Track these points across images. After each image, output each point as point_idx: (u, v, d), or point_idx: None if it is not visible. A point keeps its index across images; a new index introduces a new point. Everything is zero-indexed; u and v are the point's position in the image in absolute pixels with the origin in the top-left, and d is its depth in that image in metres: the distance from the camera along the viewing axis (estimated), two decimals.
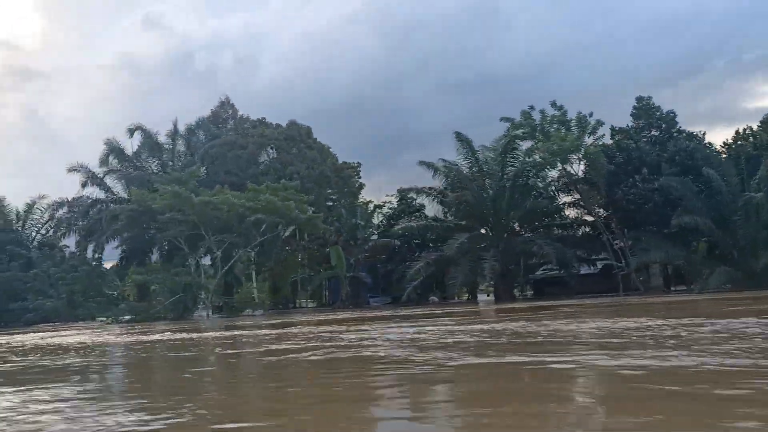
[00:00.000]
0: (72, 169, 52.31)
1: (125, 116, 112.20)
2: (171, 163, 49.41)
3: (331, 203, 44.27)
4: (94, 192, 49.41)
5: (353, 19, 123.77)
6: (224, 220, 35.62)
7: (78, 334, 24.68)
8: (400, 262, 44.01)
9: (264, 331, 16.86)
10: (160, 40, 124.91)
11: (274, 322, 24.18)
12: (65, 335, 23.69)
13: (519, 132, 37.32)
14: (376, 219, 46.36)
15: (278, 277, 43.36)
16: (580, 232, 39.44)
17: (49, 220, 49.34)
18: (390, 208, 45.64)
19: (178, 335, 18.15)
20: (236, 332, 17.58)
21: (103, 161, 51.67)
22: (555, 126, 36.04)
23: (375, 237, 45.31)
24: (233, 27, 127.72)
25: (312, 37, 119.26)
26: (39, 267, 44.63)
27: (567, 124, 36.54)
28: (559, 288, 40.00)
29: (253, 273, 42.68)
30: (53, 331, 29.57)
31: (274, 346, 11.12)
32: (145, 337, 18.08)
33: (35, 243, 48.41)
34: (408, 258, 43.31)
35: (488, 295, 48.60)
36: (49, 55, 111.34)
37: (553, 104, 37.68)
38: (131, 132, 48.64)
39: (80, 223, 50.35)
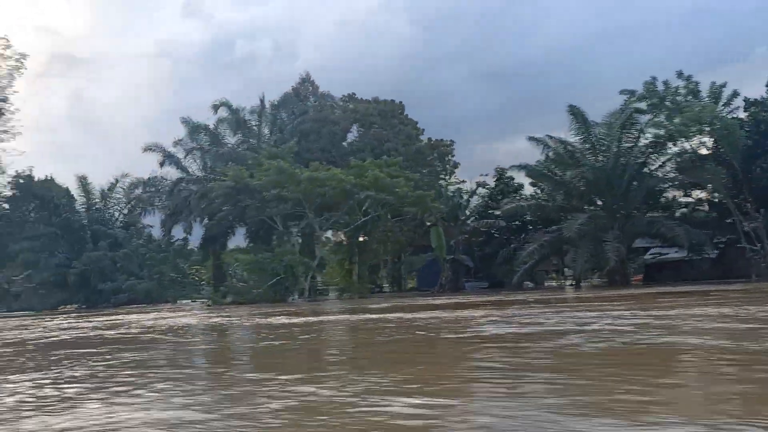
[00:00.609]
0: (148, 149, 51.69)
1: (165, 104, 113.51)
2: (253, 140, 47.82)
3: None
4: (168, 172, 48.45)
5: (390, 6, 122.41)
6: (329, 197, 33.77)
7: (187, 315, 23.79)
8: (500, 245, 41.85)
9: (417, 315, 15.02)
10: (200, 28, 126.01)
11: (393, 305, 22.48)
12: (177, 316, 22.97)
13: (642, 104, 34.59)
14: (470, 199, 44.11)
15: (373, 259, 41.49)
16: (703, 213, 36.69)
17: (132, 200, 48.13)
18: (488, 188, 43.31)
19: (315, 318, 16.87)
20: (373, 316, 15.90)
21: (179, 141, 51.00)
22: (685, 97, 33.23)
23: (471, 218, 43.12)
24: (272, 14, 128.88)
25: (349, 24, 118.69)
26: (125, 247, 43.52)
27: (698, 95, 33.72)
28: (672, 273, 37.44)
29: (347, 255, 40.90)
30: (154, 312, 28.68)
31: (487, 331, 9.39)
32: (285, 320, 16.45)
33: (118, 222, 47.29)
34: (510, 240, 41.14)
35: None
36: (93, 42, 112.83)
37: (680, 74, 34.90)
38: (215, 108, 47.41)
39: (158, 202, 49.28)
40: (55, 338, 13.97)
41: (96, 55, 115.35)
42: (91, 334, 14.98)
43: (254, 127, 47.76)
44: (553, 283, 49.51)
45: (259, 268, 34.65)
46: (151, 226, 48.76)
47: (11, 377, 6.75)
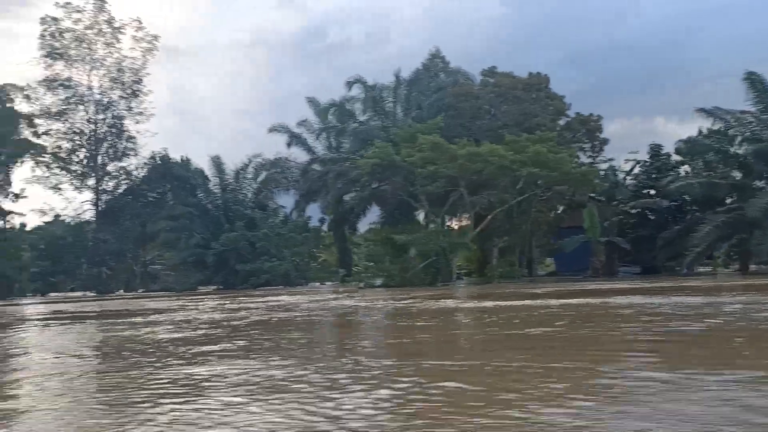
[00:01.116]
0: (273, 129, 51.31)
1: (259, 92, 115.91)
2: (386, 118, 46.25)
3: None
4: (292, 152, 48.07)
5: None
6: (485, 174, 31.64)
7: (346, 297, 23.01)
8: (658, 227, 38.49)
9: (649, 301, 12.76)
10: (293, 16, 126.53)
11: (568, 290, 20.25)
12: (337, 298, 22.17)
13: None
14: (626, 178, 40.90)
15: (521, 241, 39.07)
16: None
17: (264, 181, 47.68)
18: (642, 166, 39.97)
19: (524, 302, 15.34)
20: (586, 300, 13.86)
21: (303, 121, 50.48)
22: None
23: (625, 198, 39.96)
24: (365, 1, 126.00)
25: (439, 7, 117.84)
26: (261, 228, 42.99)
27: None
28: None
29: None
30: (299, 294, 27.83)
31: None
32: (490, 304, 14.94)
33: (251, 203, 46.93)
34: (671, 221, 37.77)
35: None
36: (190, 33, 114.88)
37: None
38: (350, 85, 46.02)
39: (284, 181, 48.72)
40: (246, 318, 12.77)
41: (192, 46, 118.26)
42: (277, 314, 13.89)
43: (389, 104, 46.14)
44: (710, 269, 45.57)
45: (415, 250, 33.03)
46: (284, 207, 48.24)
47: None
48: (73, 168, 52.00)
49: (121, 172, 52.06)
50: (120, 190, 49.04)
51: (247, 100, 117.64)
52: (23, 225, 46.77)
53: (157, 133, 53.29)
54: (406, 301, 17.39)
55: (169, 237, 44.83)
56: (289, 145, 52.95)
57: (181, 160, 48.91)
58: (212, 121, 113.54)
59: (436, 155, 33.01)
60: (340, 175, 42.24)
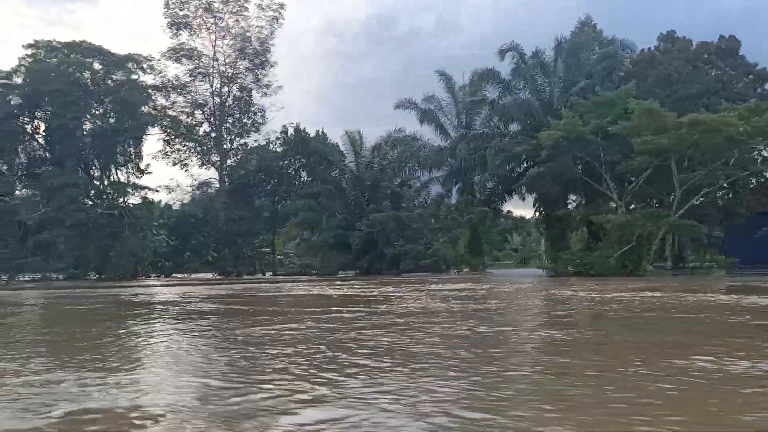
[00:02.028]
0: (400, 105, 48.09)
1: (330, 79, 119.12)
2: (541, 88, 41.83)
3: None
4: (418, 130, 45.72)
5: None
6: (702, 148, 26.97)
7: (558, 287, 19.88)
8: None
9: None
10: (364, 4, 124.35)
11: None
12: (546, 288, 18.46)
13: None
14: None
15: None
16: None
17: (404, 158, 43.92)
18: None
19: None
20: None
21: (430, 96, 47.18)
22: None
23: None
24: None
25: None
26: (410, 208, 39.32)
27: None
28: None
29: None
30: (471, 282, 23.75)
31: None
32: None
33: (393, 182, 43.33)
34: None
35: None
36: None
37: None
38: (502, 54, 41.73)
39: (427, 160, 45.03)
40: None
41: None
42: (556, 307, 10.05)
43: (539, 75, 41.71)
44: None
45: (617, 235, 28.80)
46: (427, 186, 44.46)
47: None
48: (198, 142, 49.49)
49: (250, 146, 49.18)
50: (250, 166, 46.03)
51: (319, 86, 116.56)
52: (150, 201, 44.39)
53: (284, 107, 50.26)
54: (645, 293, 14.10)
55: (308, 217, 41.67)
56: (421, 122, 49.60)
57: (317, 134, 45.70)
58: (289, 106, 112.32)
59: (648, 124, 28.52)
60: (500, 151, 38.29)
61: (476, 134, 42.77)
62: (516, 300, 13.96)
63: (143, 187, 43.83)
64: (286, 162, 45.14)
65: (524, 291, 17.55)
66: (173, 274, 48.48)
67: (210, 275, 50.00)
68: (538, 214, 42.30)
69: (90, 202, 41.42)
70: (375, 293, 17.50)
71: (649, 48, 39.33)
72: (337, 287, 22.44)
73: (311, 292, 19.26)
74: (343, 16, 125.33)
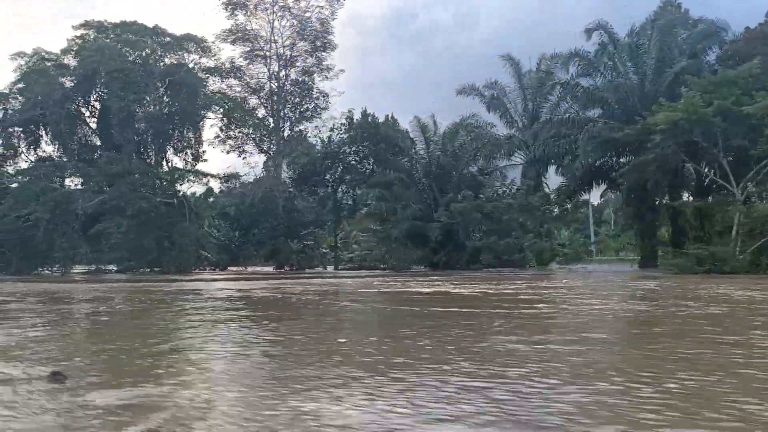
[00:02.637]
0: (462, 92, 45.79)
1: (350, 74, 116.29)
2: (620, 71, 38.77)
3: None
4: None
5: None
6: None
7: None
8: None
9: None
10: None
11: None
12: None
13: None
14: None
15: None
16: None
17: (477, 145, 40.99)
18: None
19: None
20: None
21: (493, 82, 44.49)
22: None
23: None
24: None
25: None
26: (493, 198, 36.48)
27: None
28: None
29: None
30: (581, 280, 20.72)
31: None
32: None
33: (469, 171, 40.47)
34: None
35: None
36: None
37: None
38: (589, 33, 38.79)
39: (502, 147, 42.27)
40: None
41: None
42: None
43: (640, 52, 38.67)
44: None
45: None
46: (504, 175, 41.59)
47: None
48: (255, 127, 46.84)
49: (313, 133, 46.55)
50: (313, 154, 43.30)
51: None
52: (210, 190, 41.86)
53: (344, 92, 47.44)
54: None
55: (381, 207, 38.90)
56: (489, 108, 46.78)
57: (386, 119, 42.90)
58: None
59: None
60: (593, 137, 35.36)
61: (559, 119, 39.76)
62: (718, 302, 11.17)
63: (205, 174, 41.26)
64: (353, 149, 42.30)
65: (692, 290, 14.73)
66: (228, 267, 46.01)
67: (267, 268, 47.54)
68: (626, 206, 39.41)
69: (148, 191, 38.81)
70: (509, 291, 15.03)
71: (760, 24, 36.07)
72: (445, 284, 19.78)
73: (430, 290, 16.59)
74: (362, 10, 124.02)
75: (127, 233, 36.39)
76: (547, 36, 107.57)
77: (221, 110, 42.64)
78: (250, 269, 45.87)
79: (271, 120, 47.88)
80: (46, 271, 42.19)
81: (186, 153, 42.97)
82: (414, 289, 17.06)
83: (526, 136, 43.09)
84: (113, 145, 40.68)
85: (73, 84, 41.12)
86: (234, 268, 46.16)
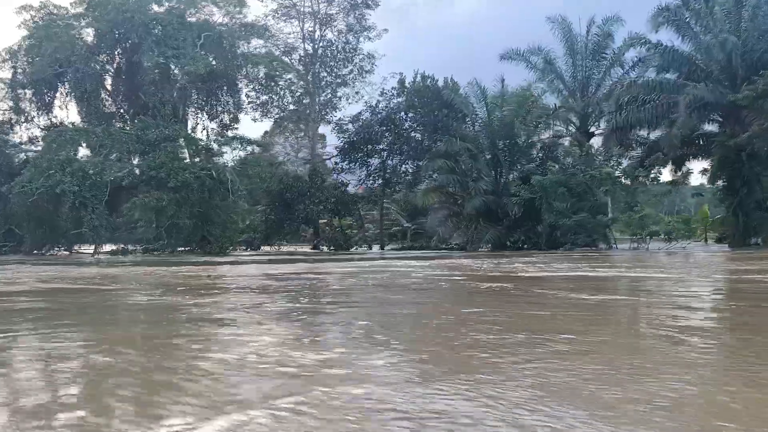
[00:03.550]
0: (506, 57, 42.45)
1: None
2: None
3: None
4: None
5: None
6: None
7: None
8: None
9: None
10: None
11: None
12: None
13: None
14: None
15: None
16: None
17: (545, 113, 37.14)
18: None
19: None
20: None
21: (537, 49, 41.08)
22: None
23: None
24: None
25: None
26: (569, 170, 32.83)
27: None
28: None
29: None
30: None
31: None
32: None
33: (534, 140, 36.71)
34: None
35: None
36: None
37: None
38: None
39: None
40: None
41: None
42: None
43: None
44: None
45: None
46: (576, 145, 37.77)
47: None
48: (288, 94, 42.33)
49: (354, 99, 42.21)
50: (362, 121, 39.07)
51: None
52: (247, 159, 37.18)
53: (385, 55, 43.02)
54: None
55: (449, 180, 34.89)
56: (543, 72, 42.85)
57: (446, 82, 38.68)
58: None
59: None
60: (697, 101, 31.79)
61: (644, 82, 35.99)
62: None
63: (251, 141, 36.63)
64: (409, 115, 38.14)
65: None
66: (261, 247, 41.72)
67: (303, 248, 43.38)
68: (720, 180, 36.03)
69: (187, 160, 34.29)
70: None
71: None
72: (559, 265, 16.10)
73: (571, 274, 12.91)
74: None
75: (167, 208, 31.89)
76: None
77: (263, 70, 37.94)
78: (284, 249, 41.68)
79: (302, 84, 43.22)
80: (64, 251, 37.68)
81: (222, 119, 38.40)
82: (541, 274, 13.33)
83: (578, 103, 39.67)
84: (139, 109, 36.05)
85: (94, 38, 36.16)
86: (267, 248, 41.93)
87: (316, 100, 43.20)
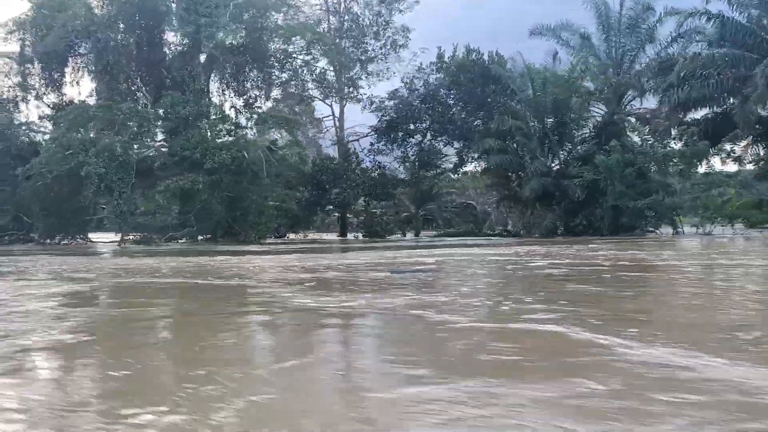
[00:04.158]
0: (535, 32, 39.81)
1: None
2: None
3: None
4: None
5: None
6: None
7: None
8: None
9: None
10: None
11: None
12: None
13: None
14: None
15: None
16: None
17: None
18: None
19: None
20: None
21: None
22: None
23: None
24: None
25: None
26: (635, 149, 30.63)
27: None
28: None
29: None
30: None
31: None
32: None
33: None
34: None
35: None
36: None
37: None
38: None
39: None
40: None
41: None
42: None
43: None
44: None
45: None
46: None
47: None
48: (313, 70, 39.38)
49: (384, 76, 39.40)
50: (396, 101, 36.40)
51: None
52: (273, 143, 34.29)
53: (415, 29, 40.10)
54: None
55: (502, 161, 32.46)
56: (577, 49, 40.41)
57: (491, 56, 36.07)
58: None
59: None
60: None
61: (709, 55, 33.73)
62: None
63: (289, 120, 33.70)
64: (452, 92, 35.54)
65: None
66: (287, 236, 38.99)
67: (329, 236, 40.78)
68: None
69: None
70: None
71: None
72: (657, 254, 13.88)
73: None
74: None
75: (201, 192, 29.01)
76: None
77: (302, 42, 34.86)
78: (310, 237, 38.99)
79: (336, 58, 40.25)
80: (79, 240, 34.71)
81: (249, 95, 35.44)
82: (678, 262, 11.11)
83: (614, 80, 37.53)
84: (162, 84, 33.03)
85: (112, 6, 32.90)
86: (292, 236, 39.22)
87: (344, 77, 40.31)
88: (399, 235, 38.60)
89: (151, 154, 30.09)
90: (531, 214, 32.28)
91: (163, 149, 31.07)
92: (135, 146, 29.84)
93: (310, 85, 38.78)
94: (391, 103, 36.47)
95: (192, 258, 15.90)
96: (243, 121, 32.79)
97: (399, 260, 13.30)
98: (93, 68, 32.70)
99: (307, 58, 37.27)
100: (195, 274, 10.64)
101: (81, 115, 29.62)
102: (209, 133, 29.62)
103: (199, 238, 32.07)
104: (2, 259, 16.39)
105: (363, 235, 37.27)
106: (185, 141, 28.91)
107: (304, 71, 37.59)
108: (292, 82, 37.75)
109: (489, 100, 34.85)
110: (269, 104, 37.08)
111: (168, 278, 9.97)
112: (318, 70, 38.22)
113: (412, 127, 36.25)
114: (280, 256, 16.16)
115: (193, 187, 28.39)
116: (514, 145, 33.41)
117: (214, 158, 28.42)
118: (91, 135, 30.23)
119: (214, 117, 30.57)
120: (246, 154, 30.45)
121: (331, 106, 40.98)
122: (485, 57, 36.01)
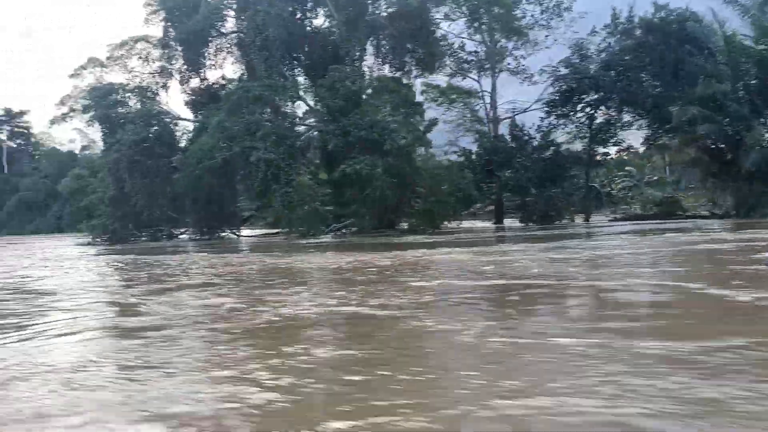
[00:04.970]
0: None
1: None
2: None
3: None
4: None
5: None
6: None
7: None
8: None
9: None
10: None
11: None
12: None
13: None
14: None
15: None
16: None
17: None
18: None
19: None
20: None
21: None
22: None
23: None
24: None
25: None
26: None
27: None
28: None
29: None
30: None
31: None
32: None
33: None
34: None
35: None
36: None
37: None
38: None
39: None
40: None
41: None
42: None
43: None
44: None
45: None
46: None
47: None
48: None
49: (544, 44, 35.35)
50: (572, 69, 32.30)
51: None
52: (433, 122, 30.71)
53: None
54: None
55: (711, 130, 27.99)
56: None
57: (679, 15, 31.44)
58: None
59: None
60: None
61: None
62: None
63: (468, 92, 30.20)
64: (639, 56, 31.17)
65: None
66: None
67: (482, 223, 37.08)
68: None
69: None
70: None
71: None
72: None
73: None
74: None
75: (378, 177, 25.74)
76: None
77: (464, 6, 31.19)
78: (462, 226, 35.37)
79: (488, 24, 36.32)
80: (232, 234, 32.43)
81: (408, 70, 32.09)
82: None
83: None
84: (317, 61, 30.11)
85: None
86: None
87: (497, 45, 36.37)
88: (567, 220, 34.63)
89: (329, 136, 26.94)
90: (749, 192, 27.69)
91: (328, 130, 27.95)
92: (301, 128, 27.06)
93: (464, 56, 35.15)
94: (566, 71, 32.38)
95: (406, 252, 12.97)
96: (418, 96, 29.41)
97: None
98: (245, 45, 29.95)
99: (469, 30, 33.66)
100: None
101: (246, 94, 26.78)
102: (388, 110, 26.25)
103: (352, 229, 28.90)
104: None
105: (520, 221, 33.56)
106: (358, 119, 25.72)
107: (463, 42, 34.00)
108: (449, 56, 34.23)
109: (684, 63, 30.28)
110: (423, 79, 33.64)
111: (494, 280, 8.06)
112: (472, 43, 34.54)
113: (593, 97, 32.05)
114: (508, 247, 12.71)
115: (372, 172, 25.18)
116: (721, 115, 28.79)
117: (394, 139, 25.14)
118: (258, 115, 27.42)
119: (387, 94, 27.21)
120: (422, 132, 27.20)
121: (479, 81, 37.17)
122: (674, 16, 31.42)
